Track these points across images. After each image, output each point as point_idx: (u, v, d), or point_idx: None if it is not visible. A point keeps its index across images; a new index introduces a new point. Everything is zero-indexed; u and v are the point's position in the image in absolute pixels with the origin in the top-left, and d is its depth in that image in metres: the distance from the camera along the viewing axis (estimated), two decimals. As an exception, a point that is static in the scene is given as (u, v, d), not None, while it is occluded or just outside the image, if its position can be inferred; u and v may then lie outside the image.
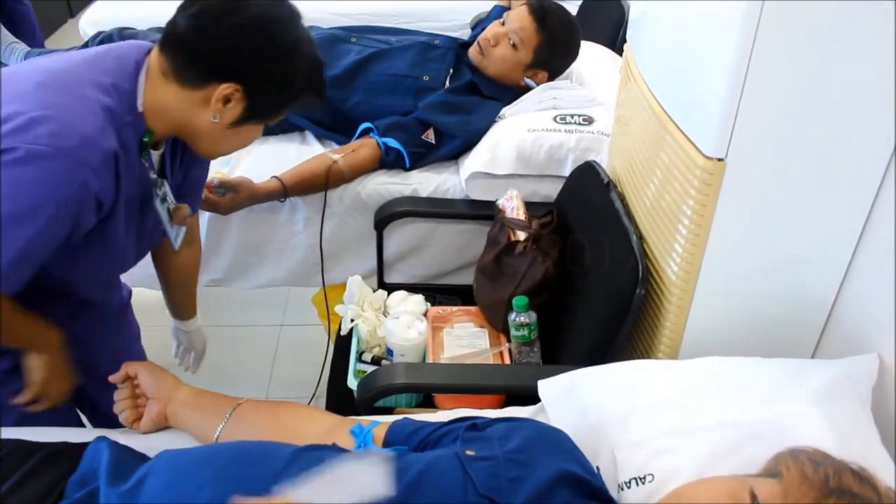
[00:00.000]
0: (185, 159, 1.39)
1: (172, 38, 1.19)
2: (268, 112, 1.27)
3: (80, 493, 1.00)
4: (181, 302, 1.69)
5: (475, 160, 1.97)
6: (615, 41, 2.60)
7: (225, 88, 1.18)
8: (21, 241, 1.08)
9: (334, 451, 1.00)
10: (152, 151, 1.28)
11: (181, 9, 1.18)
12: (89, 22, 2.94)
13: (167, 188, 1.32)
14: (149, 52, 1.23)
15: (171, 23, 1.19)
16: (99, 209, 1.16)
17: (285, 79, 1.23)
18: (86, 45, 2.27)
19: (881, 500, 0.83)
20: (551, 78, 2.24)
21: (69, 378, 1.35)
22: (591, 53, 2.46)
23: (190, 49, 1.18)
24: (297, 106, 1.30)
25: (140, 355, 1.68)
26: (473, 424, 1.04)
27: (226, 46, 1.17)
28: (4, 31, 2.44)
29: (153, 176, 1.27)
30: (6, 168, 1.04)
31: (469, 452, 0.95)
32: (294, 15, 1.23)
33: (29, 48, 2.43)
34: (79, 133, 1.08)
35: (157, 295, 1.70)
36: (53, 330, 1.30)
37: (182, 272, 1.63)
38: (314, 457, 0.96)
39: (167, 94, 1.20)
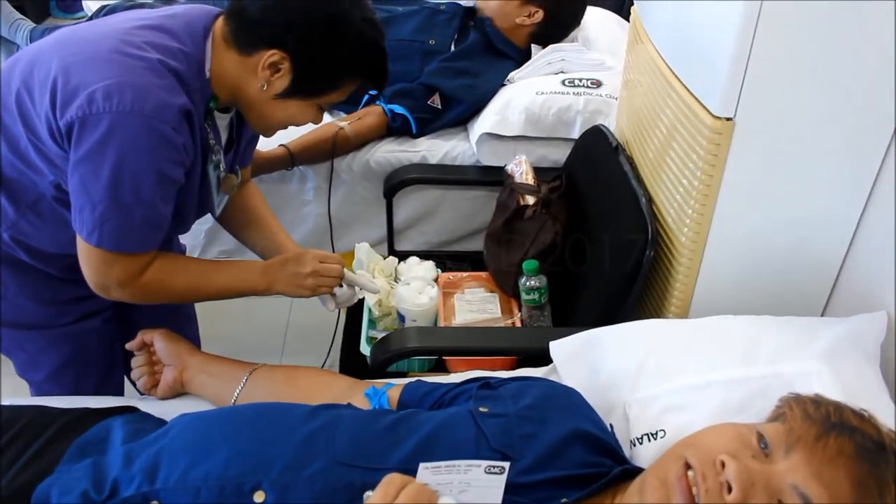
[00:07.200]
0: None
1: (233, 6, 1.22)
2: (313, 88, 1.26)
3: (78, 463, 1.00)
4: (278, 241, 1.56)
5: (484, 122, 1.97)
6: (622, 6, 2.59)
7: (272, 55, 1.20)
8: (135, 204, 1.14)
9: (350, 409, 1.02)
10: (222, 114, 1.31)
11: None
12: (93, -4, 2.92)
13: (221, 156, 1.34)
14: (216, 17, 1.25)
15: None
16: (183, 165, 1.20)
17: (330, 53, 1.22)
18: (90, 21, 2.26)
19: (882, 438, 0.84)
20: (549, 18, 2.22)
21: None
22: (598, 19, 2.44)
23: (244, 14, 1.21)
24: (347, 88, 1.29)
25: (193, 312, 1.72)
26: (486, 383, 1.06)
27: (275, 12, 1.19)
28: (9, 7, 2.43)
29: (212, 142, 1.29)
30: (97, 141, 1.09)
31: (482, 409, 0.96)
32: None
33: (34, 24, 2.42)
34: (154, 95, 1.12)
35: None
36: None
37: (260, 210, 1.59)
38: (330, 415, 0.98)
39: (228, 61, 1.23)
